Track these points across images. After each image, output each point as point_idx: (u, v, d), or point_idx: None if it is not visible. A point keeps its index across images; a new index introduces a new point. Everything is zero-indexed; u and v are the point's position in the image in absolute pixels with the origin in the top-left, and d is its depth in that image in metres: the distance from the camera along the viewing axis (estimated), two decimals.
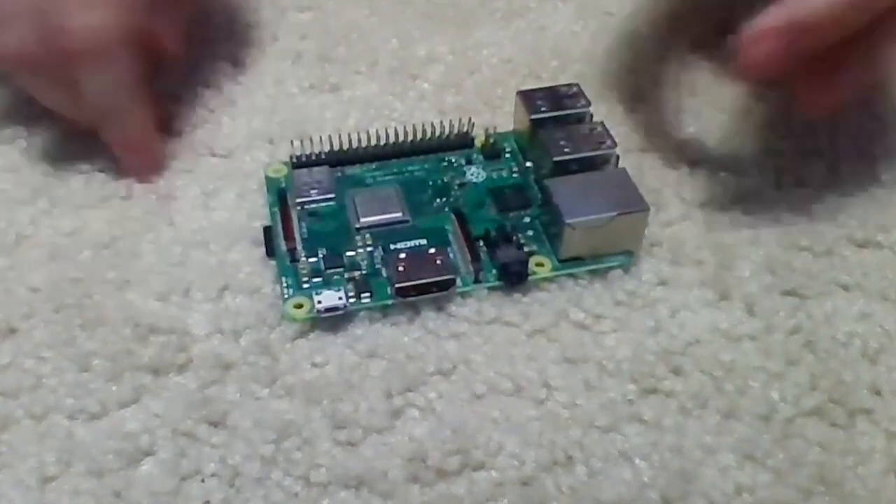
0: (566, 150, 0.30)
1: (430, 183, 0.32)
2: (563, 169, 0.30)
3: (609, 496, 0.24)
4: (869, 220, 0.31)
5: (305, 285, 0.28)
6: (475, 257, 0.29)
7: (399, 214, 0.30)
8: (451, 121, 0.33)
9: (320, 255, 0.29)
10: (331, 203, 0.31)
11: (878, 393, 0.26)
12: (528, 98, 0.32)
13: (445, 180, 0.32)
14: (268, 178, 0.32)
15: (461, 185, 0.32)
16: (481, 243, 0.29)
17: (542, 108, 0.31)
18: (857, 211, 0.31)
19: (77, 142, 0.33)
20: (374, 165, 0.33)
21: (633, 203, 0.29)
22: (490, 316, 0.28)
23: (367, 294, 0.28)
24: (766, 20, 0.27)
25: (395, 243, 0.30)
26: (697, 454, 0.25)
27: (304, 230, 0.30)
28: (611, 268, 0.29)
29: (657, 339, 0.28)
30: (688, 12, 0.40)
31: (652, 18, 0.40)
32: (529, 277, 0.29)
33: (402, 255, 0.28)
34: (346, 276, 0.29)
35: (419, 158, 0.33)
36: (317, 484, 0.24)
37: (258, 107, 0.35)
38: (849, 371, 0.27)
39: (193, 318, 0.28)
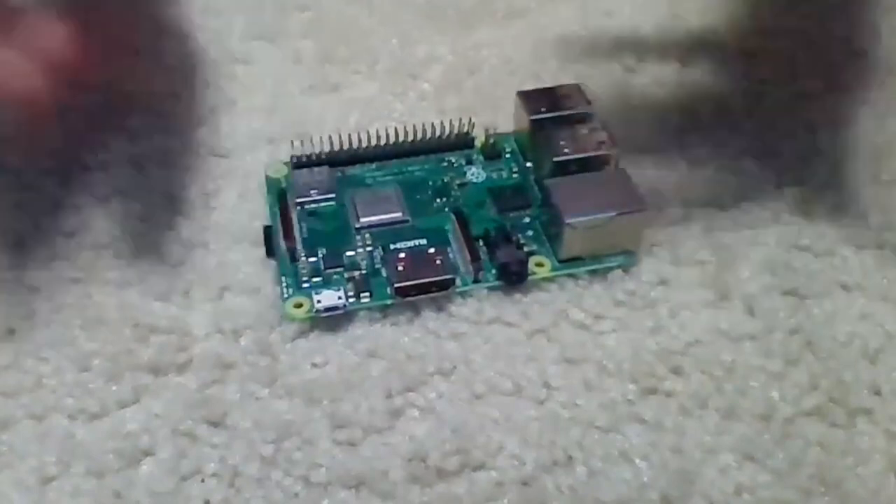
0: (566, 150, 0.30)
1: (430, 183, 0.32)
2: (563, 169, 0.30)
3: (609, 496, 0.24)
4: (869, 220, 0.31)
5: (305, 285, 0.28)
6: (475, 257, 0.29)
7: (399, 214, 0.30)
8: (451, 121, 0.33)
9: (320, 255, 0.29)
10: (331, 203, 0.31)
11: (878, 393, 0.27)
12: (528, 98, 0.32)
13: (445, 180, 0.32)
14: (268, 178, 0.32)
15: (461, 186, 0.32)
16: (481, 243, 0.29)
17: (542, 109, 0.31)
18: (857, 211, 0.31)
19: (76, 140, 0.33)
20: (374, 165, 0.33)
21: (633, 203, 0.29)
22: (490, 316, 0.28)
23: (367, 294, 0.28)
24: None
25: (394, 243, 0.30)
26: (697, 454, 0.25)
27: (304, 230, 0.30)
28: (611, 268, 0.29)
29: (657, 339, 0.28)
30: (688, 12, 0.40)
31: (652, 19, 0.40)
32: (529, 277, 0.29)
33: (402, 255, 0.28)
34: (346, 275, 0.29)
35: (419, 158, 0.33)
36: (317, 484, 0.24)
37: (258, 107, 0.35)
38: (849, 371, 0.27)
39: (193, 318, 0.28)
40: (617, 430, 0.25)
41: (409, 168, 0.32)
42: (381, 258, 0.29)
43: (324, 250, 0.29)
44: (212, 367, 0.27)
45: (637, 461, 0.25)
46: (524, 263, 0.29)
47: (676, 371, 0.27)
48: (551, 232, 0.29)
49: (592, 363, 0.27)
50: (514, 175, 0.32)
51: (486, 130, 0.33)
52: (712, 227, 0.31)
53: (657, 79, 0.37)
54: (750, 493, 0.24)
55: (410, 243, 0.30)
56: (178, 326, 0.28)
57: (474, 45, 0.38)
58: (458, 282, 0.28)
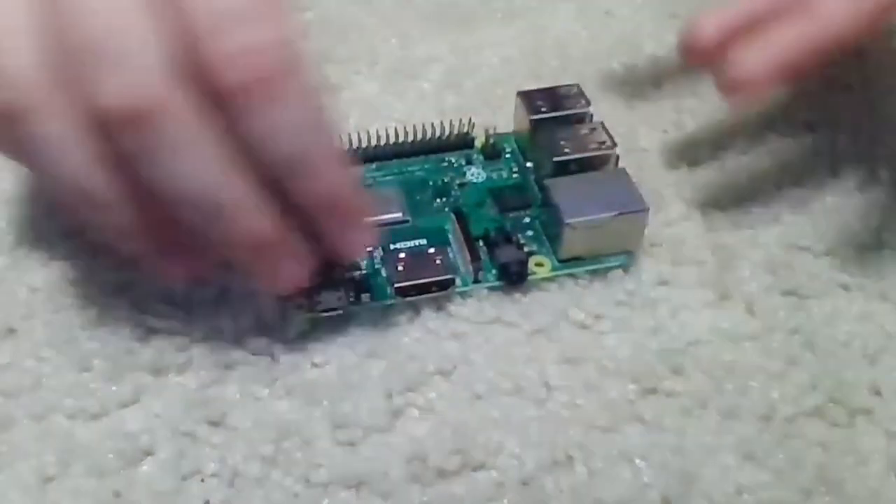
0: (566, 150, 0.30)
1: (430, 183, 0.32)
2: (563, 169, 0.30)
3: (609, 496, 0.24)
4: (869, 220, 0.31)
5: (305, 285, 0.28)
6: (475, 257, 0.29)
7: (399, 214, 0.30)
8: (451, 121, 0.33)
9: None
10: None
11: (878, 393, 0.27)
12: (528, 98, 0.32)
13: (445, 180, 0.32)
14: None
15: (461, 186, 0.32)
16: (481, 243, 0.29)
17: (543, 109, 0.31)
18: (857, 211, 0.31)
19: None
20: (374, 165, 0.32)
21: (632, 203, 0.29)
22: (490, 316, 0.28)
23: (367, 294, 0.28)
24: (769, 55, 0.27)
25: (394, 243, 0.30)
26: (698, 454, 0.25)
27: None
28: (611, 268, 0.29)
29: (657, 339, 0.28)
30: (688, 12, 0.40)
31: (652, 19, 0.40)
32: (529, 277, 0.29)
33: (402, 255, 0.28)
34: (346, 275, 0.29)
35: (419, 158, 0.33)
36: (317, 484, 0.24)
37: None
38: (849, 371, 0.27)
39: (193, 318, 0.28)
40: (617, 430, 0.25)
41: (409, 168, 0.32)
42: (381, 258, 0.29)
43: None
44: (212, 367, 0.27)
45: (637, 461, 0.25)
46: (524, 263, 0.29)
47: (676, 371, 0.27)
48: (551, 232, 0.29)
49: (592, 363, 0.27)
50: (514, 175, 0.32)
51: (486, 130, 0.33)
52: (712, 227, 0.31)
53: (656, 79, 0.37)
54: (750, 493, 0.24)
55: (410, 243, 0.30)
56: (178, 326, 0.27)
57: (474, 45, 0.38)
58: (458, 282, 0.28)
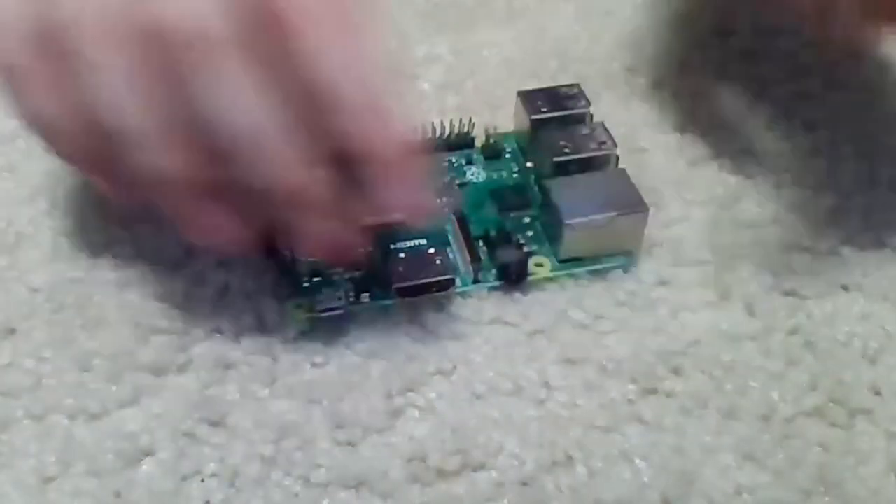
0: (566, 150, 0.30)
1: (431, 183, 0.32)
2: (563, 169, 0.30)
3: (609, 496, 0.24)
4: (869, 220, 0.31)
5: (305, 285, 0.28)
6: (475, 257, 0.29)
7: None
8: (451, 121, 0.33)
9: None
10: None
11: (878, 393, 0.27)
12: (528, 98, 0.32)
13: (445, 180, 0.32)
14: None
15: (461, 186, 0.32)
16: (481, 243, 0.29)
17: (543, 109, 0.31)
18: (857, 211, 0.31)
19: None
20: None
21: (632, 203, 0.29)
22: (490, 316, 0.28)
23: (367, 294, 0.28)
24: None
25: (394, 243, 0.30)
26: (697, 454, 0.25)
27: None
28: (611, 268, 0.29)
29: (657, 339, 0.28)
30: (688, 12, 0.40)
31: (652, 19, 0.40)
32: (529, 277, 0.29)
33: (402, 255, 0.28)
34: (346, 275, 0.29)
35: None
36: (317, 484, 0.24)
37: None
38: (849, 371, 0.27)
39: (193, 319, 0.28)
40: (617, 430, 0.25)
41: None
42: (381, 258, 0.29)
43: None
44: (212, 367, 0.27)
45: (637, 461, 0.25)
46: (524, 263, 0.29)
47: (676, 371, 0.27)
48: (551, 232, 0.29)
49: (592, 363, 0.27)
50: (514, 175, 0.32)
51: (486, 130, 0.33)
52: (712, 227, 0.31)
53: (657, 79, 0.37)
54: (750, 493, 0.24)
55: (410, 243, 0.30)
56: (178, 326, 0.28)
57: (474, 45, 0.38)
58: (458, 282, 0.28)
